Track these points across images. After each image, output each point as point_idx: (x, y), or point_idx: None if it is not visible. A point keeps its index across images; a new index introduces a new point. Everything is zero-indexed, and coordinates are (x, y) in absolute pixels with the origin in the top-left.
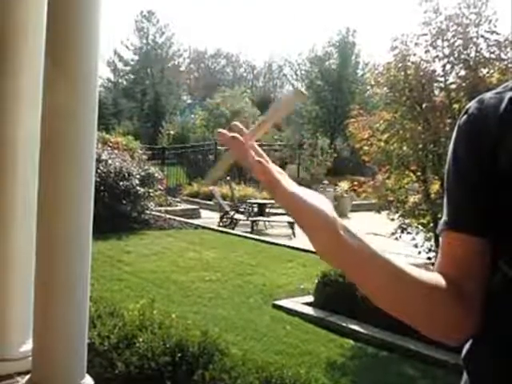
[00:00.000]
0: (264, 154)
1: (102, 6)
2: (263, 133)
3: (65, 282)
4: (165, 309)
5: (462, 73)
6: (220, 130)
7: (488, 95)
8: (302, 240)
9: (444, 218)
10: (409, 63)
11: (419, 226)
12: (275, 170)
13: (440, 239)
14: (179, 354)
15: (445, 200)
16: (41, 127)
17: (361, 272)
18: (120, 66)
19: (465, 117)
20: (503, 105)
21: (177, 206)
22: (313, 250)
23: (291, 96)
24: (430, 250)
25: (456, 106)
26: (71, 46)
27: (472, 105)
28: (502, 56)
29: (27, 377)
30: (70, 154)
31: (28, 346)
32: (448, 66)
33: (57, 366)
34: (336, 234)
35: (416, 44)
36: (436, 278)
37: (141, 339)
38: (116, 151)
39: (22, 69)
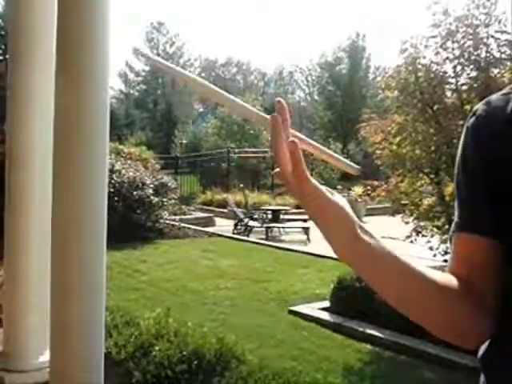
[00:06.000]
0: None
1: (111, 12)
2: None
3: (80, 292)
4: (181, 317)
5: (473, 74)
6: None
7: (494, 97)
8: (317, 246)
9: (455, 219)
10: (419, 66)
11: (434, 229)
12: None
13: (452, 240)
14: (196, 362)
15: (455, 201)
16: (53, 137)
17: (375, 270)
18: (131, 76)
19: (473, 118)
20: (510, 106)
21: (191, 214)
22: (328, 255)
23: None
24: (445, 253)
25: (468, 107)
26: (81, 52)
27: (479, 107)
28: None
29: None
30: (82, 164)
31: (45, 356)
32: (459, 68)
33: (74, 377)
34: (354, 232)
35: (426, 46)
36: (448, 278)
37: (157, 348)
38: (129, 161)
39: (34, 75)
